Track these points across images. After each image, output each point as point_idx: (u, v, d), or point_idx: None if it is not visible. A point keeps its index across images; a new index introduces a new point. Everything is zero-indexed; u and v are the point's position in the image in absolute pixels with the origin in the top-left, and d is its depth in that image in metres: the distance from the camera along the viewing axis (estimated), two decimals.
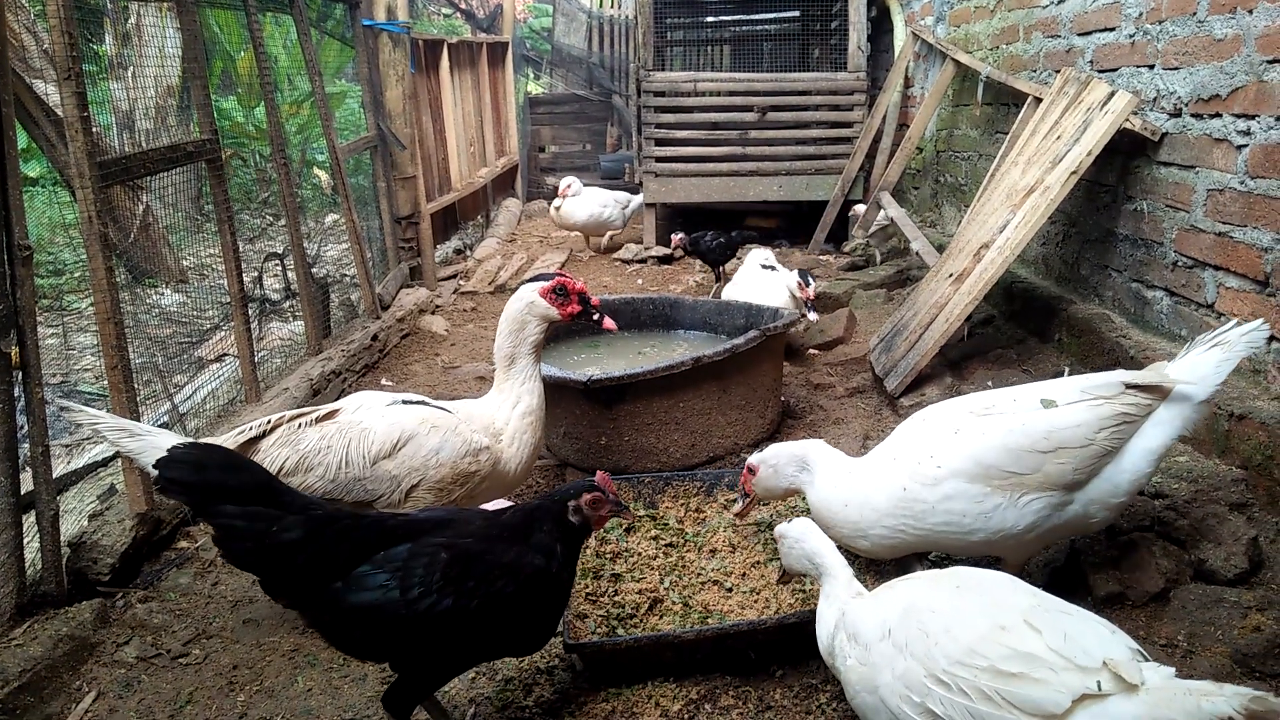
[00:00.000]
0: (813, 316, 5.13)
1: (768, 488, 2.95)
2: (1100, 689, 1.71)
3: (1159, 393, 2.55)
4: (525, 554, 2.32)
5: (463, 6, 11.90)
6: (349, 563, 2.21)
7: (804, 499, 2.93)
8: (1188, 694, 1.66)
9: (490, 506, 3.61)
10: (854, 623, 2.14)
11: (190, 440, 2.60)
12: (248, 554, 2.20)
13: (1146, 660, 1.79)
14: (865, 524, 2.69)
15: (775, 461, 2.90)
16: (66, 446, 4.64)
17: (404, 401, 3.05)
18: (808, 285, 5.09)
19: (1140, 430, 2.54)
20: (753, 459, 2.97)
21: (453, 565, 2.23)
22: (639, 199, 8.95)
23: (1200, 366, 2.57)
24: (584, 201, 8.79)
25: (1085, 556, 2.94)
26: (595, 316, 3.16)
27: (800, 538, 2.42)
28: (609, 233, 9.01)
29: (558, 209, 8.82)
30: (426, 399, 3.12)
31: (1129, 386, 2.55)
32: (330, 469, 2.83)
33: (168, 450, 2.25)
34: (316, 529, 2.21)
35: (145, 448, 2.68)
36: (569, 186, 8.76)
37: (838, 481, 2.78)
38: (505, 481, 3.10)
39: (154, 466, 2.25)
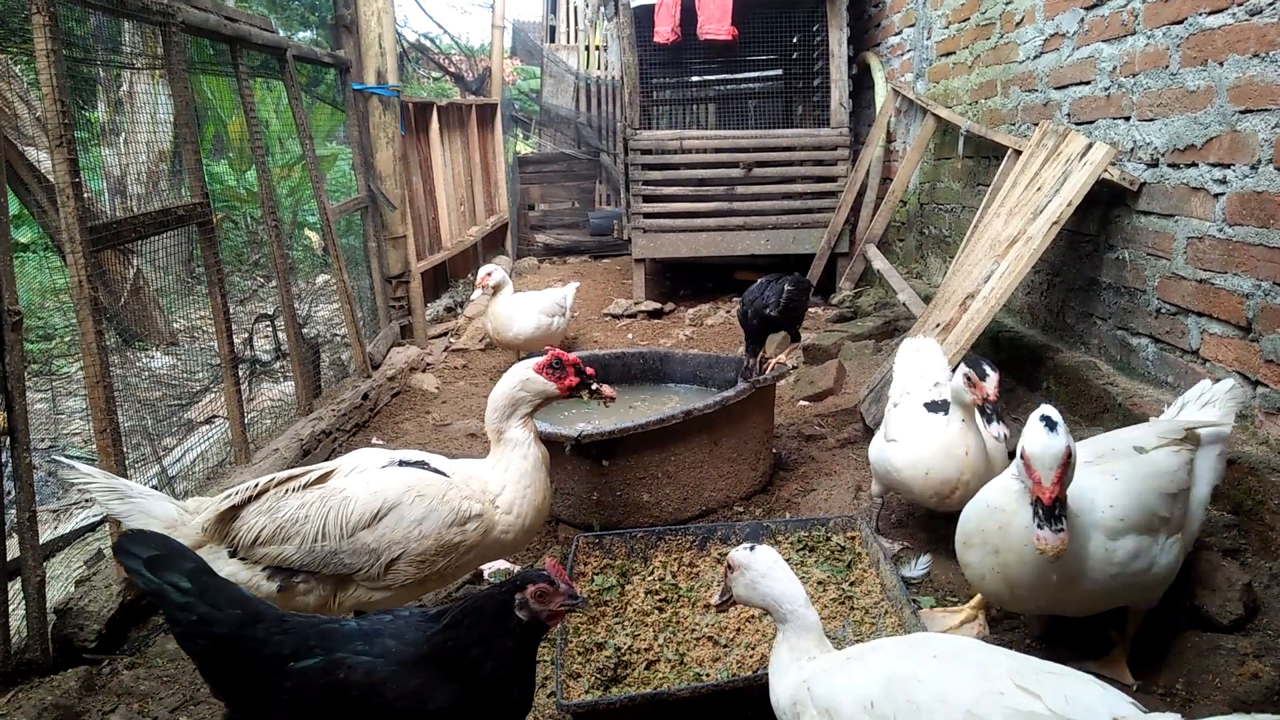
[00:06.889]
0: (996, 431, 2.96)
1: None
2: None
3: (1196, 440, 2.72)
4: (434, 686, 2.02)
5: (451, 70, 12.08)
6: (268, 668, 2.06)
7: None
8: None
9: (488, 568, 3.60)
10: (825, 696, 1.99)
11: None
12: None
13: (1146, 713, 1.76)
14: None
15: None
16: (54, 511, 4.60)
17: (401, 462, 2.90)
18: (983, 379, 3.00)
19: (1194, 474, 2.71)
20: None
21: (331, 695, 2.01)
22: (572, 288, 7.16)
23: (1208, 417, 2.78)
24: (526, 310, 6.46)
25: None
26: (594, 386, 3.12)
27: (766, 574, 2.19)
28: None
29: (484, 313, 6.39)
30: (426, 460, 2.96)
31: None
32: (306, 540, 2.67)
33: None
34: (235, 631, 2.09)
35: (133, 511, 2.66)
36: (489, 275, 6.33)
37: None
38: (504, 545, 2.97)
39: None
